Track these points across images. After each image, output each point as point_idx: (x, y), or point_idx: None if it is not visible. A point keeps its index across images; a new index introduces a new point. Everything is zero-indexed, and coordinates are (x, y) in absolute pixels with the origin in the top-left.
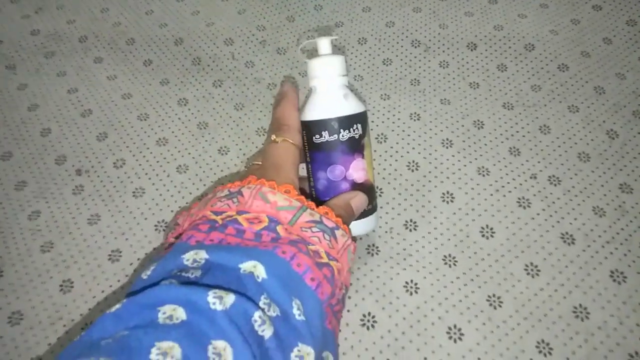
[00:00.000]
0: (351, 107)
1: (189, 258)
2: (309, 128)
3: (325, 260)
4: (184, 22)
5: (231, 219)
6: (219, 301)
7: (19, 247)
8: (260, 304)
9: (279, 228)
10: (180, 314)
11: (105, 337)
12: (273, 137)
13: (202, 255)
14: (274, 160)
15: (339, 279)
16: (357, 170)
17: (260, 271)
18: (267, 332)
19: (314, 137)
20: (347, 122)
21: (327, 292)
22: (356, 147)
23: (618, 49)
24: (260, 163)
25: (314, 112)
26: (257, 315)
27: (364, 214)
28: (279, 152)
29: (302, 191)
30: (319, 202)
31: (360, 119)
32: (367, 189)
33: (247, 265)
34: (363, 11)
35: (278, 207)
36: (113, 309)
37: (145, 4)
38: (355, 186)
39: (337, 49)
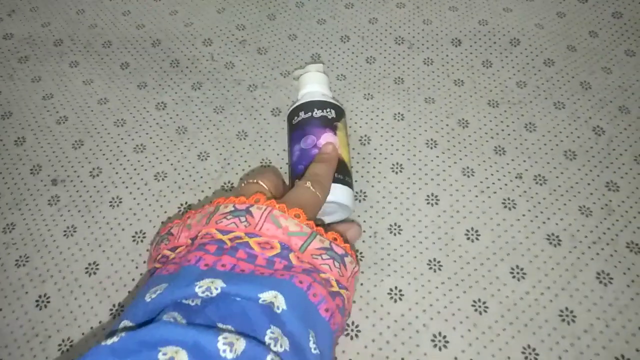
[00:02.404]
0: (325, 97)
1: (202, 285)
2: (291, 115)
3: (336, 289)
4: (162, 23)
5: (241, 241)
6: (229, 348)
7: None
8: (266, 339)
9: (291, 256)
10: (182, 357)
11: None
12: (308, 184)
13: (219, 284)
14: (298, 199)
15: (348, 308)
16: (327, 141)
17: (280, 302)
18: None
19: (293, 120)
20: (320, 104)
21: (338, 322)
22: (328, 124)
23: (604, 42)
24: (256, 181)
25: (295, 103)
26: (269, 358)
27: (339, 181)
28: (307, 195)
29: None
30: (295, 173)
31: (333, 106)
32: (339, 161)
33: (267, 296)
34: (346, 7)
35: (289, 232)
36: (109, 342)
37: (122, 4)
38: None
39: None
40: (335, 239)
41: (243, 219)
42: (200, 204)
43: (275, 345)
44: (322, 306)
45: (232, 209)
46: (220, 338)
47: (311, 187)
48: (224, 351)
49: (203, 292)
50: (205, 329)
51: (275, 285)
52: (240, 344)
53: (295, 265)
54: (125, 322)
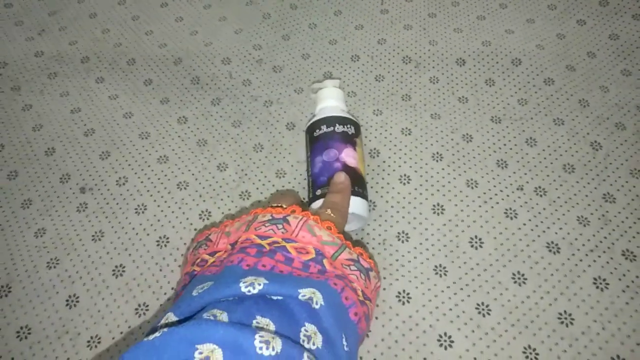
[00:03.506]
0: (345, 113)
1: (247, 281)
2: (312, 127)
3: (361, 298)
4: (183, 42)
5: (279, 245)
6: (265, 346)
7: (26, 263)
8: (301, 335)
9: (325, 261)
10: (218, 356)
11: None
12: (329, 211)
13: (262, 280)
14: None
15: (371, 319)
16: (348, 156)
17: (318, 297)
18: None
19: (314, 132)
20: (341, 120)
21: (363, 327)
22: (349, 139)
23: (602, 62)
24: (281, 205)
25: (316, 117)
26: (305, 357)
27: (356, 194)
28: (328, 219)
29: None
30: (316, 184)
31: (352, 122)
32: (358, 175)
33: (306, 292)
34: (356, 29)
35: (323, 241)
36: (151, 337)
37: (146, 24)
38: (347, 168)
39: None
40: (362, 254)
41: (280, 226)
42: (219, 211)
43: (308, 343)
44: (352, 310)
45: (270, 217)
46: (257, 336)
47: (332, 214)
48: (260, 349)
49: (246, 287)
50: (242, 327)
51: (312, 284)
52: (277, 342)
53: (329, 270)
54: (170, 315)
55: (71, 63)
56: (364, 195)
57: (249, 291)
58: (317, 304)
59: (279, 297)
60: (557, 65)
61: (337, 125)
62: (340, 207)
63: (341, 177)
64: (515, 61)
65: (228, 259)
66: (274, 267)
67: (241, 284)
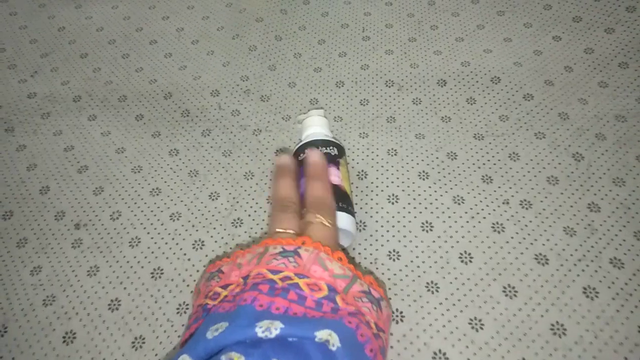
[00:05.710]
0: (328, 136)
1: (262, 326)
2: (297, 152)
3: (375, 331)
4: (172, 77)
5: (291, 282)
6: None
7: (22, 302)
8: None
9: (337, 298)
10: None
11: None
12: (320, 218)
13: (278, 325)
14: (319, 239)
15: (387, 351)
16: (332, 174)
17: (335, 339)
18: None
19: (299, 157)
20: (323, 143)
21: None
22: (332, 159)
23: (579, 75)
24: (285, 231)
25: (301, 142)
26: None
27: (343, 210)
28: (325, 232)
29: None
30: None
31: (335, 145)
32: (343, 192)
33: (322, 334)
34: (339, 56)
35: (335, 274)
36: None
37: (135, 62)
38: (331, 186)
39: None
40: (372, 283)
41: (292, 259)
42: (212, 240)
43: None
44: (368, 346)
45: (281, 250)
46: None
47: (324, 222)
48: None
49: (263, 332)
50: None
51: (328, 324)
52: None
53: (341, 307)
54: (185, 357)
55: (64, 102)
56: (349, 211)
57: (266, 336)
58: (333, 345)
59: (295, 339)
60: (536, 80)
61: (320, 147)
62: (326, 200)
63: (315, 156)
64: (494, 79)
65: (241, 296)
66: (288, 309)
67: (257, 329)
